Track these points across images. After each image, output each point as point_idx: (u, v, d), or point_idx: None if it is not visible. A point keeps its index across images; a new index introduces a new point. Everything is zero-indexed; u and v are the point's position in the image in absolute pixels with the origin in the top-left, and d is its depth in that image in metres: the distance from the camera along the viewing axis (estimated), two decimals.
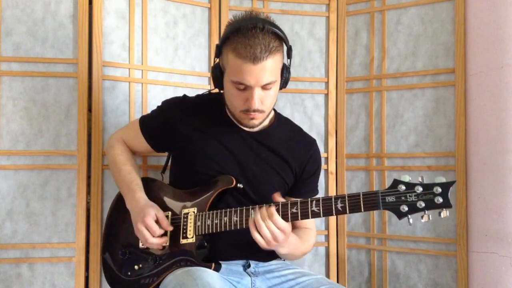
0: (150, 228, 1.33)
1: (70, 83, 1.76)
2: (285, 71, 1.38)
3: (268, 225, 1.22)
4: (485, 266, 1.74)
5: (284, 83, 1.40)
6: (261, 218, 1.22)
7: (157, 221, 1.35)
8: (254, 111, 1.33)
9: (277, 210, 1.24)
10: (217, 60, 1.39)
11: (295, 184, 1.51)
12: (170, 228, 1.36)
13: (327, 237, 2.03)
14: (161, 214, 1.36)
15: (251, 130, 1.45)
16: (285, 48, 1.38)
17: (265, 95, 1.32)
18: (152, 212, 1.35)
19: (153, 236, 1.33)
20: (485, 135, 1.76)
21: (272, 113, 1.52)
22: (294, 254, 1.42)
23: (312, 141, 1.55)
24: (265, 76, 1.28)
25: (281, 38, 1.32)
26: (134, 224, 1.37)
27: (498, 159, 1.71)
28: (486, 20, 1.77)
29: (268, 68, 1.28)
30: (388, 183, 1.95)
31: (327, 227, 2.04)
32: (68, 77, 1.76)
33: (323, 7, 2.09)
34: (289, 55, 1.39)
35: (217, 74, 1.38)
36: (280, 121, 1.53)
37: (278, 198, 1.27)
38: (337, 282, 2.02)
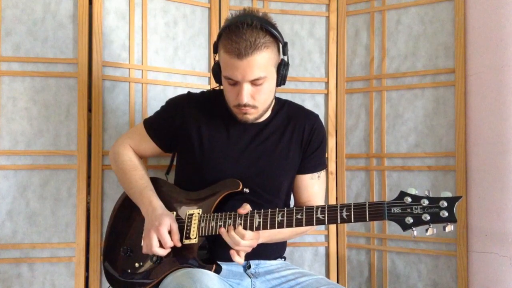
0: (162, 239, 1.31)
1: (70, 83, 1.76)
2: (282, 67, 1.39)
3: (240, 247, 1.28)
4: (485, 266, 1.74)
5: (281, 80, 1.40)
6: (233, 243, 1.27)
7: (169, 232, 1.33)
8: (245, 105, 1.35)
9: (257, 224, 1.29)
10: (217, 57, 1.41)
11: (302, 160, 1.52)
12: (179, 245, 1.33)
13: (327, 237, 2.03)
14: (175, 227, 1.34)
15: (256, 122, 1.45)
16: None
17: (256, 91, 1.34)
18: (168, 222, 1.33)
19: (163, 247, 1.32)
20: (485, 135, 1.76)
21: (273, 102, 1.52)
22: (274, 239, 1.46)
23: (315, 116, 1.57)
24: (252, 72, 1.30)
25: (273, 35, 1.32)
26: (147, 230, 1.36)
27: (498, 159, 1.71)
28: (486, 20, 1.77)
29: (256, 63, 1.29)
30: (388, 183, 1.97)
31: (327, 227, 2.03)
32: (68, 77, 1.76)
33: (323, 7, 2.09)
34: (284, 52, 1.39)
35: (217, 70, 1.40)
36: (280, 105, 1.54)
37: (243, 211, 1.30)
38: (337, 282, 2.02)
